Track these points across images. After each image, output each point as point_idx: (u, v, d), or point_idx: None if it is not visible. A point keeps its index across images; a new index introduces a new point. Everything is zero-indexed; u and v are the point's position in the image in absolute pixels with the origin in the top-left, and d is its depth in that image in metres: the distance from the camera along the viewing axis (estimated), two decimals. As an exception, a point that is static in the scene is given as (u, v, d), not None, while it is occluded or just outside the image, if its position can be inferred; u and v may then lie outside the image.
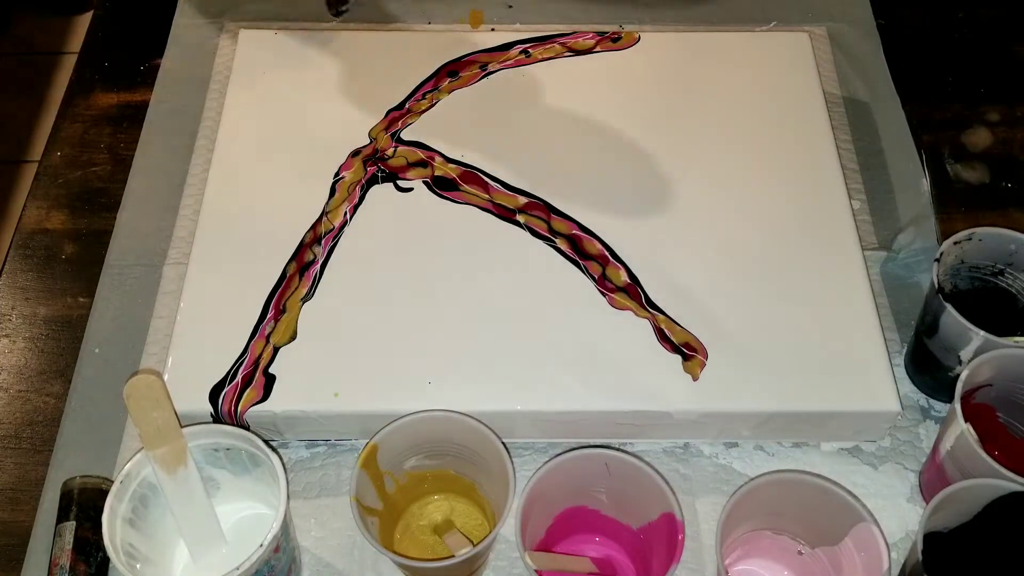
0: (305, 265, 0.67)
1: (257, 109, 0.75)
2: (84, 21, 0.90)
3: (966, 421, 0.54)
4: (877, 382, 0.62)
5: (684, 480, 0.62)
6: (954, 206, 0.75)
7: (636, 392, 0.61)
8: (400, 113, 0.75)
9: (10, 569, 0.60)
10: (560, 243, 0.68)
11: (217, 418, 0.61)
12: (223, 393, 0.61)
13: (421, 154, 0.72)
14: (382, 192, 0.70)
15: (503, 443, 0.55)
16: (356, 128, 0.74)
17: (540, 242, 0.68)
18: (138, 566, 0.53)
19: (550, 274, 0.66)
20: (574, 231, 0.68)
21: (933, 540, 0.51)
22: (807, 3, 0.87)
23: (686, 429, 0.63)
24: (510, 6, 0.86)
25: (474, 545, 0.55)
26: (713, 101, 0.76)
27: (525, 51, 0.79)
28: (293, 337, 0.63)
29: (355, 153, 0.72)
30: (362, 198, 0.70)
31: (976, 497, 0.52)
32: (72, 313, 0.70)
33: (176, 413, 0.56)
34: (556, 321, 0.64)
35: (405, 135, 0.74)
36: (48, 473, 0.63)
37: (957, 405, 0.55)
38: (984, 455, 0.53)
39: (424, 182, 0.71)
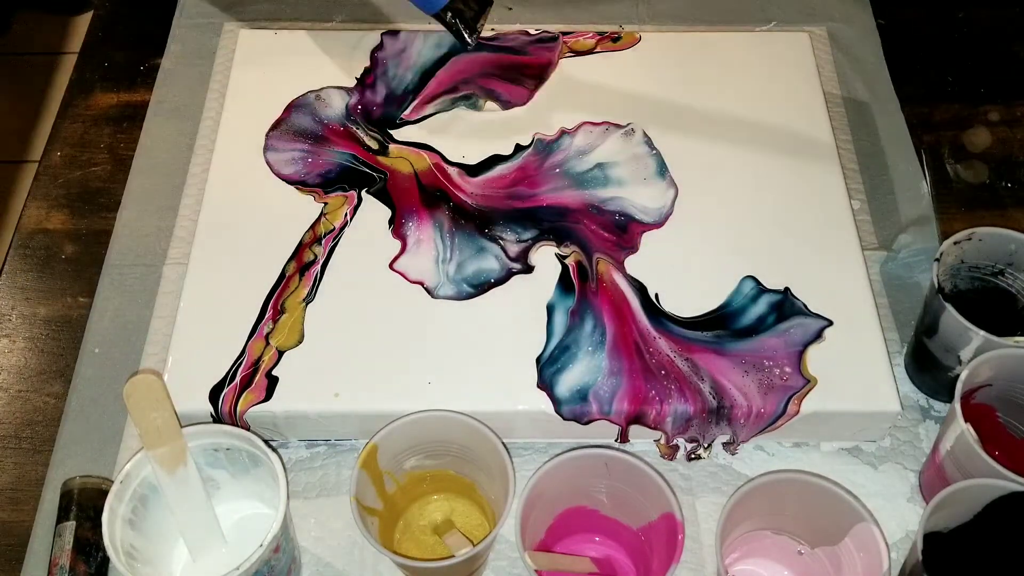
0: (305, 265, 0.67)
1: (257, 109, 0.75)
2: (84, 21, 0.90)
3: (966, 421, 0.54)
4: (877, 382, 0.62)
5: (684, 480, 0.62)
6: (954, 206, 0.76)
7: (636, 392, 0.61)
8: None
9: (10, 569, 0.60)
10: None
11: (217, 418, 0.61)
12: (223, 393, 0.61)
13: (425, 155, 0.73)
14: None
15: (503, 443, 0.55)
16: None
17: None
18: (138, 566, 0.53)
19: (551, 274, 0.66)
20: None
21: (933, 540, 0.51)
22: (807, 3, 0.87)
23: (686, 429, 0.63)
24: (510, 8, 0.86)
25: (474, 545, 0.55)
26: (713, 101, 0.76)
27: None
28: (300, 340, 0.63)
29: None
30: (361, 199, 0.70)
31: (976, 497, 0.52)
32: (72, 313, 0.70)
33: (176, 413, 0.56)
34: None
35: (407, 136, 0.74)
36: (48, 473, 0.63)
37: (957, 405, 0.55)
38: (984, 455, 0.53)
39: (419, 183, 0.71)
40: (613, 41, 0.80)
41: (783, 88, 0.76)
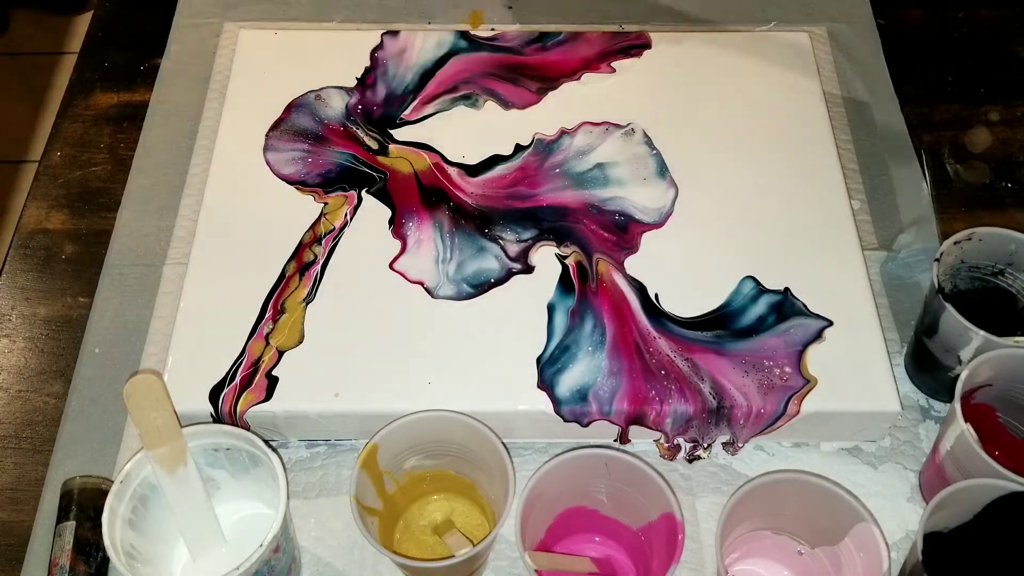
0: (305, 265, 0.67)
1: (257, 109, 0.75)
2: (84, 21, 0.90)
3: (966, 421, 0.54)
4: (877, 382, 0.62)
5: (684, 480, 0.62)
6: (954, 206, 0.76)
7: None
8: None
9: (10, 569, 0.60)
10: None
11: (217, 418, 0.61)
12: (223, 393, 0.61)
13: (425, 155, 0.73)
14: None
15: (503, 443, 0.55)
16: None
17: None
18: (138, 566, 0.53)
19: (551, 274, 0.66)
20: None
21: (933, 540, 0.51)
22: (807, 3, 0.87)
23: (686, 429, 0.63)
24: (510, 7, 0.86)
25: (474, 545, 0.55)
26: (713, 101, 0.76)
27: (525, 51, 0.79)
28: (300, 340, 0.63)
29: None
30: (361, 199, 0.70)
31: (976, 497, 0.52)
32: (72, 313, 0.70)
33: (176, 413, 0.56)
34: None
35: (407, 135, 0.74)
36: (48, 473, 0.63)
37: (957, 405, 0.55)
38: (984, 455, 0.53)
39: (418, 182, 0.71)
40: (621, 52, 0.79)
41: (783, 88, 0.76)
